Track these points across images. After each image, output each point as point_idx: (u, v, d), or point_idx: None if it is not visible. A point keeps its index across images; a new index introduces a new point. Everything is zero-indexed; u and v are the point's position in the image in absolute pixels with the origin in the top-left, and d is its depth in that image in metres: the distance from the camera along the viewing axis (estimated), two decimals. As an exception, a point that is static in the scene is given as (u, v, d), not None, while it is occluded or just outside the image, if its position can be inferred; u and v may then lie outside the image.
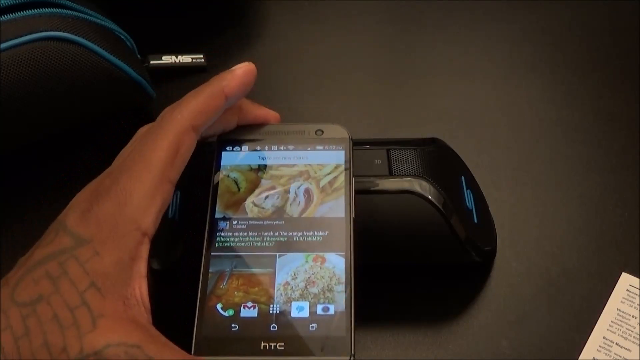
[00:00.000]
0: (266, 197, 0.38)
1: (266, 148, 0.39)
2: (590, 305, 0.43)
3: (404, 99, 0.53)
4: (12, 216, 0.46)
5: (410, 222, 0.41)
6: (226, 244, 0.36)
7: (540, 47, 0.55)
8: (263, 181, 0.38)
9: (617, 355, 0.41)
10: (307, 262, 0.35)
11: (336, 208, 0.37)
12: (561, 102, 0.52)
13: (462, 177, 0.45)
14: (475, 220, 0.43)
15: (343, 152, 0.39)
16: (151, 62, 0.52)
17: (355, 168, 0.39)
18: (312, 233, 0.36)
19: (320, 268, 0.35)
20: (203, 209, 0.39)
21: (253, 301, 0.34)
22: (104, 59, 0.45)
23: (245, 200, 0.37)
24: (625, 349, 0.41)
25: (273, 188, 0.38)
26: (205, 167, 0.40)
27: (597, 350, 0.41)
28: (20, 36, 0.42)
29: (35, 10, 0.43)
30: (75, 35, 0.43)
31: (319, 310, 0.34)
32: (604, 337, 0.42)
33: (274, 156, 0.39)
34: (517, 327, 0.42)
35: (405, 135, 0.46)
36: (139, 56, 0.49)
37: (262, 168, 0.38)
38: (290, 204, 0.37)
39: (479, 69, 0.54)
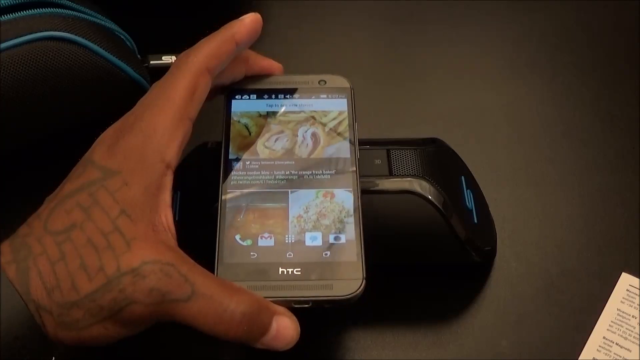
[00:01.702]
0: (276, 140, 0.40)
1: (273, 96, 0.41)
2: (590, 305, 0.43)
3: (404, 99, 0.53)
4: (12, 216, 0.46)
5: (410, 222, 0.41)
6: (241, 182, 0.38)
7: (540, 47, 0.55)
8: (272, 126, 0.40)
9: (617, 355, 0.41)
10: (317, 197, 0.38)
11: (342, 149, 0.39)
12: (561, 102, 0.52)
13: (462, 177, 0.45)
14: (475, 220, 0.43)
15: (345, 100, 0.41)
16: (151, 62, 0.52)
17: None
18: (320, 172, 0.39)
19: (330, 202, 0.38)
20: (203, 209, 0.39)
21: (269, 232, 0.37)
22: (104, 59, 0.45)
23: (256, 143, 0.40)
24: (625, 349, 0.41)
25: (282, 132, 0.40)
26: (205, 167, 0.40)
27: (597, 350, 0.41)
28: (20, 36, 0.42)
29: (35, 10, 0.43)
30: (75, 35, 0.43)
31: (331, 239, 0.36)
32: (604, 337, 0.42)
33: (281, 104, 0.41)
34: (517, 327, 0.42)
35: (405, 135, 0.46)
36: (139, 56, 0.49)
37: (271, 114, 0.41)
38: (299, 146, 0.40)
39: (479, 69, 0.54)
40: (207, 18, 0.56)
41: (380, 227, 0.41)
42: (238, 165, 0.39)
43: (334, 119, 0.41)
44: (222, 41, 0.38)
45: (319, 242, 0.36)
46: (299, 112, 0.41)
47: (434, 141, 0.45)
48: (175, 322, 0.33)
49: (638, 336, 0.42)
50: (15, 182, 0.47)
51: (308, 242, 0.36)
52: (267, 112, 0.41)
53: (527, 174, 0.49)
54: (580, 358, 0.41)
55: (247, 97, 0.41)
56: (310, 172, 0.39)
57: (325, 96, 0.41)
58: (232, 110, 0.41)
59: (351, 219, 0.37)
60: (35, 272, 0.32)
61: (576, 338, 0.42)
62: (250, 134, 0.40)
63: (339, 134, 0.40)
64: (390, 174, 0.42)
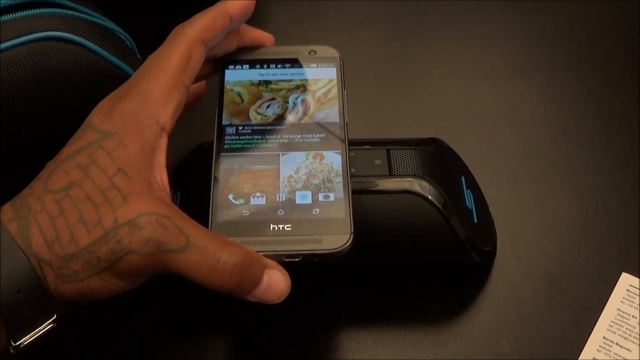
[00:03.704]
0: (267, 106, 0.41)
1: (265, 66, 0.43)
2: (590, 305, 0.43)
3: (404, 98, 0.53)
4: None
5: (410, 222, 0.41)
6: (234, 146, 0.40)
7: (540, 46, 0.55)
8: (264, 94, 0.42)
9: (617, 355, 0.41)
10: (307, 159, 0.39)
11: (331, 115, 0.41)
12: (561, 102, 0.52)
13: (462, 177, 0.45)
14: (475, 220, 0.43)
15: (335, 68, 0.43)
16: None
17: (356, 168, 0.42)
18: (310, 135, 0.40)
19: (320, 164, 0.39)
20: (203, 210, 0.40)
21: (261, 192, 0.38)
22: (104, 59, 0.45)
23: (248, 109, 0.41)
24: (625, 349, 0.41)
25: (273, 99, 0.41)
26: (205, 167, 0.40)
27: (597, 350, 0.41)
28: (20, 36, 0.42)
29: (35, 10, 0.43)
30: (75, 35, 0.43)
31: (321, 197, 0.38)
32: (604, 337, 0.42)
33: (273, 73, 0.42)
34: (517, 327, 0.43)
35: (405, 135, 0.46)
36: (139, 56, 0.49)
37: (263, 83, 0.42)
38: (290, 112, 0.41)
39: (479, 68, 0.54)
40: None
41: (380, 227, 0.41)
42: (231, 130, 0.40)
43: (324, 86, 0.42)
44: (216, 15, 0.39)
45: (308, 200, 0.37)
46: (290, 80, 0.42)
47: (434, 141, 0.45)
48: (170, 276, 0.34)
49: (638, 336, 0.42)
50: (15, 182, 0.47)
51: (298, 200, 0.37)
52: (259, 81, 0.42)
53: (527, 174, 0.49)
54: (580, 358, 0.41)
55: (240, 67, 0.42)
56: (301, 136, 0.40)
57: (315, 65, 0.43)
58: (225, 79, 0.42)
59: (339, 179, 0.38)
60: (35, 227, 0.33)
61: (576, 338, 0.42)
62: (242, 101, 0.41)
63: (328, 100, 0.41)
64: (390, 174, 0.42)
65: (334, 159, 0.39)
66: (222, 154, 0.39)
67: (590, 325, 0.42)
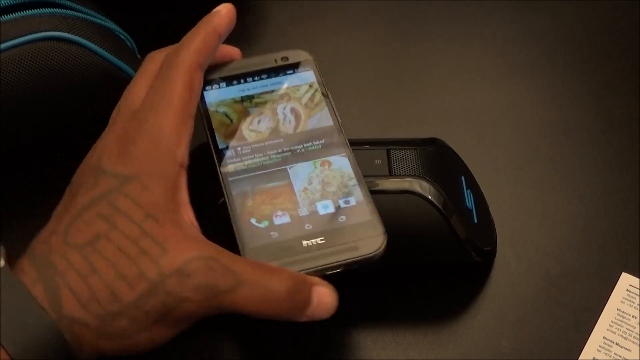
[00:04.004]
0: (259, 122, 0.40)
1: (242, 81, 0.42)
2: (590, 305, 0.43)
3: (404, 98, 0.53)
4: (12, 216, 0.46)
5: (410, 222, 0.41)
6: (239, 169, 0.39)
7: (540, 46, 0.55)
8: (250, 109, 0.41)
9: (617, 355, 0.41)
10: (316, 168, 0.39)
11: (323, 119, 0.40)
12: (561, 102, 0.52)
13: (462, 177, 0.45)
14: (475, 220, 0.43)
15: (311, 71, 0.42)
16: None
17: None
18: (310, 143, 0.39)
19: (330, 170, 0.39)
20: (204, 208, 0.39)
21: (282, 210, 0.37)
22: (104, 59, 0.45)
23: (240, 129, 0.40)
24: (625, 349, 0.41)
25: (262, 113, 0.41)
26: (205, 167, 0.40)
27: (597, 350, 0.41)
28: (20, 36, 0.42)
29: (35, 10, 0.43)
30: (75, 35, 0.43)
31: (342, 204, 0.37)
32: (604, 337, 0.42)
33: (252, 86, 0.42)
34: (517, 327, 0.42)
35: (405, 135, 0.46)
36: (139, 56, 0.49)
37: (246, 98, 0.41)
38: (283, 124, 0.40)
39: (479, 68, 0.54)
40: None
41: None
42: (230, 154, 0.39)
43: (307, 91, 0.41)
44: (206, 35, 0.38)
45: (331, 209, 0.37)
46: (272, 91, 0.41)
47: (434, 141, 0.45)
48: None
49: (638, 336, 0.42)
50: (15, 182, 0.47)
51: (322, 211, 0.37)
52: (242, 97, 0.41)
53: (527, 174, 0.49)
54: (580, 358, 0.41)
55: (218, 86, 0.41)
56: (302, 146, 0.39)
57: (291, 72, 0.42)
58: (207, 101, 0.41)
59: (354, 181, 0.38)
60: (66, 289, 0.32)
61: (576, 338, 0.42)
62: (231, 121, 0.40)
63: (316, 105, 0.41)
64: (390, 174, 0.42)
65: (342, 163, 0.39)
66: (229, 179, 0.38)
67: (590, 325, 0.42)
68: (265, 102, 0.41)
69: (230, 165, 0.39)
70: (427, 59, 0.55)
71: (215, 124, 0.40)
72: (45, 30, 0.43)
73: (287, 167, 0.39)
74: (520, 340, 0.42)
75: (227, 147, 0.39)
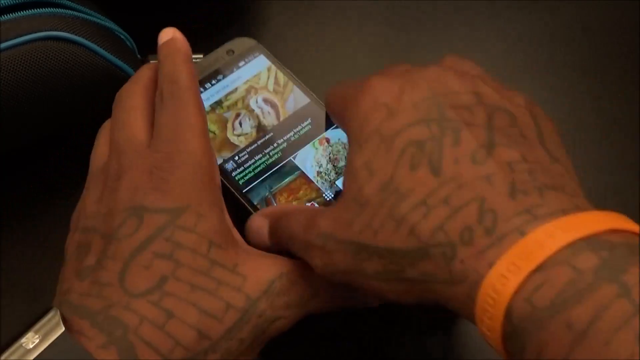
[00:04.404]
0: (240, 124, 0.40)
1: (202, 89, 0.41)
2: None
3: (404, 99, 0.53)
4: (12, 216, 0.46)
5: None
6: (247, 177, 0.38)
7: (540, 47, 0.55)
8: (225, 115, 0.40)
9: (617, 355, 0.41)
10: (317, 148, 0.39)
11: (298, 98, 0.40)
12: (561, 102, 0.52)
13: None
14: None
15: (262, 55, 0.42)
16: (151, 62, 0.51)
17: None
18: (300, 127, 0.39)
19: (332, 145, 0.39)
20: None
21: (308, 201, 0.37)
22: (104, 59, 0.45)
23: (226, 137, 0.40)
24: (625, 349, 0.41)
25: (239, 114, 0.40)
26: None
27: (597, 350, 0.41)
28: (20, 36, 0.42)
29: (35, 10, 0.43)
30: (75, 35, 0.43)
31: None
32: (604, 337, 0.42)
33: (215, 91, 0.41)
34: (517, 327, 0.42)
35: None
36: (139, 56, 0.49)
37: (215, 106, 0.41)
38: (264, 117, 0.40)
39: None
40: (207, 18, 0.56)
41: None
42: (231, 166, 0.39)
43: (268, 77, 0.41)
44: (184, 56, 0.38)
45: None
46: (235, 89, 0.41)
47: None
48: None
49: (638, 336, 0.42)
50: (15, 182, 0.47)
51: None
52: (211, 106, 0.41)
53: (527, 174, 0.49)
54: (580, 358, 0.41)
55: None
56: (293, 132, 0.39)
57: (243, 63, 0.42)
58: None
59: None
60: (142, 345, 0.29)
61: (576, 338, 0.42)
62: (215, 133, 0.40)
63: (284, 87, 0.41)
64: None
65: (338, 135, 0.39)
66: (243, 191, 0.38)
67: (590, 325, 0.42)
68: (235, 103, 0.40)
69: (237, 178, 0.38)
70: (427, 59, 0.55)
71: None
72: (45, 30, 0.43)
73: (291, 157, 0.38)
74: (520, 340, 0.42)
75: (224, 162, 0.39)
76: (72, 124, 0.48)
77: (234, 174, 0.38)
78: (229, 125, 0.40)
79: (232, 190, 0.38)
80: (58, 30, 0.43)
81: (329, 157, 0.38)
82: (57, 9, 0.44)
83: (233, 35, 0.55)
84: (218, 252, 0.32)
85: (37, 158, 0.48)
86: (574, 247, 0.25)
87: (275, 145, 0.39)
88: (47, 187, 0.47)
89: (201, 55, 0.53)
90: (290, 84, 0.41)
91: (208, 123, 0.39)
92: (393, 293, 0.30)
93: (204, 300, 0.31)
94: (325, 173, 0.38)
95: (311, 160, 0.38)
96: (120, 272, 0.31)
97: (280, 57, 0.44)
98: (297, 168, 0.38)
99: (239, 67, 0.41)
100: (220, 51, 0.42)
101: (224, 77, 0.41)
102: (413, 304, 0.30)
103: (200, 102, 0.36)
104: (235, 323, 0.31)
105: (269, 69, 0.41)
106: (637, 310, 0.23)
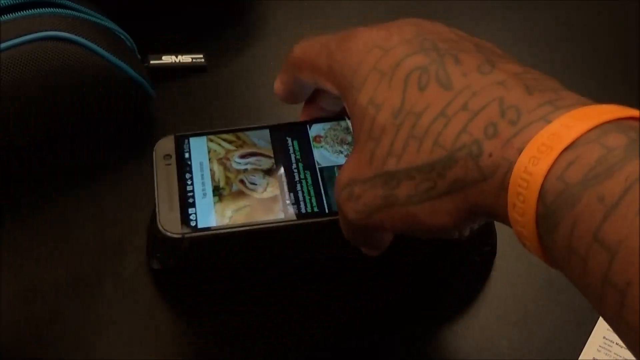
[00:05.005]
0: (252, 182, 0.39)
1: (190, 187, 0.40)
2: (590, 305, 0.43)
3: (404, 99, 0.53)
4: (12, 216, 0.46)
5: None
6: (309, 202, 0.38)
7: (540, 47, 0.55)
8: (233, 190, 0.39)
9: (617, 355, 0.41)
10: (320, 148, 0.40)
11: (259, 134, 0.41)
12: (561, 102, 0.52)
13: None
14: (475, 220, 0.43)
15: (192, 138, 0.41)
16: (151, 62, 0.52)
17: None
18: (290, 147, 0.40)
19: (325, 137, 0.40)
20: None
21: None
22: (104, 59, 0.45)
23: (258, 200, 0.39)
24: (626, 349, 0.41)
25: (242, 181, 0.39)
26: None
27: (597, 350, 0.41)
28: (21, 36, 0.42)
29: (35, 10, 0.43)
30: (75, 35, 0.43)
31: None
32: (604, 337, 0.42)
33: (199, 184, 0.40)
34: (517, 327, 0.42)
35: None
36: (139, 56, 0.49)
37: (219, 192, 0.39)
38: (259, 165, 0.40)
39: (479, 69, 0.54)
40: (207, 18, 0.56)
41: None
42: (294, 210, 0.38)
43: (219, 144, 0.41)
44: None
45: None
46: (212, 171, 0.40)
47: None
48: None
49: (638, 336, 0.42)
50: (16, 182, 0.47)
51: None
52: (216, 195, 0.39)
53: (527, 174, 0.49)
54: (580, 358, 0.41)
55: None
56: (292, 154, 0.40)
57: (187, 155, 0.41)
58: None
59: (346, 122, 0.40)
60: None
61: (576, 338, 0.42)
62: (249, 206, 0.39)
63: (239, 137, 0.41)
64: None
65: (320, 127, 0.40)
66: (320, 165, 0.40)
67: (590, 325, 0.42)
68: (226, 178, 0.40)
69: (305, 213, 0.38)
70: (427, 59, 0.55)
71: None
72: (46, 30, 0.43)
73: (317, 167, 0.40)
74: (520, 340, 0.42)
75: (285, 212, 0.38)
76: (72, 124, 0.48)
77: (301, 210, 0.38)
78: (247, 190, 0.39)
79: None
80: (58, 30, 0.43)
81: (336, 142, 0.39)
82: (57, 9, 0.44)
83: (233, 35, 0.55)
84: None
85: (37, 158, 0.48)
86: (602, 128, 0.26)
87: (295, 169, 0.40)
88: (47, 187, 0.47)
89: (201, 55, 0.53)
90: (239, 133, 0.41)
91: (234, 203, 0.38)
92: (431, 215, 0.30)
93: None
94: (347, 151, 0.39)
95: (328, 159, 0.39)
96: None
97: (280, 57, 0.44)
98: (326, 168, 0.39)
99: (190, 160, 0.40)
100: (159, 162, 0.40)
101: (190, 171, 0.40)
102: (454, 229, 0.31)
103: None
104: None
105: (210, 140, 0.41)
106: None
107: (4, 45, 0.42)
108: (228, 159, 0.40)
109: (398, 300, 0.43)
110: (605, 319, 0.25)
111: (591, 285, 0.25)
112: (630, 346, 0.24)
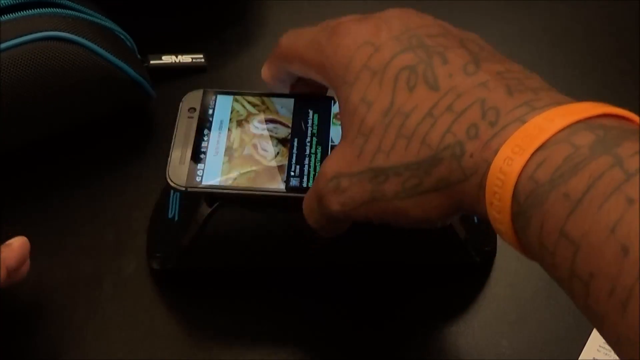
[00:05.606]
0: (264, 149, 0.39)
1: (204, 141, 0.40)
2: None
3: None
4: (12, 216, 0.46)
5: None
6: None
7: (540, 46, 0.55)
8: (245, 153, 0.39)
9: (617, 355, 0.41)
10: (338, 122, 0.39)
11: (283, 102, 0.41)
12: (561, 102, 0.52)
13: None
14: (475, 220, 0.43)
15: (219, 95, 0.41)
16: (151, 62, 0.52)
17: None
18: (309, 120, 0.40)
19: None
20: (204, 208, 0.40)
21: None
22: (104, 59, 0.45)
23: (266, 167, 0.39)
24: (625, 349, 0.41)
25: (255, 145, 0.39)
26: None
27: (597, 350, 0.41)
28: (21, 36, 0.42)
29: (35, 10, 0.43)
30: (75, 35, 0.43)
31: None
32: (604, 337, 0.42)
33: (214, 141, 0.40)
34: (517, 327, 0.42)
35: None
36: (139, 56, 0.49)
37: (231, 152, 0.39)
38: (276, 133, 0.40)
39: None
40: (207, 18, 0.56)
41: (380, 227, 0.41)
42: (295, 182, 0.38)
43: (243, 106, 0.41)
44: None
45: None
46: (229, 129, 0.40)
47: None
48: None
49: (638, 336, 0.42)
50: (16, 182, 0.47)
51: None
52: (226, 155, 0.39)
53: (527, 174, 0.49)
54: (580, 358, 0.41)
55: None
56: (309, 127, 0.40)
57: (211, 111, 0.41)
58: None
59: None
60: None
61: (576, 338, 0.42)
62: (255, 170, 0.39)
63: (263, 102, 0.41)
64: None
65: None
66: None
67: (590, 325, 0.42)
68: (241, 140, 0.40)
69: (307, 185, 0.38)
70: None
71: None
72: (46, 30, 0.43)
73: (330, 143, 0.39)
74: (520, 340, 0.42)
75: (286, 180, 0.38)
76: (72, 124, 0.48)
77: (303, 184, 0.38)
78: (257, 155, 0.39)
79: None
80: (58, 30, 0.43)
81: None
82: (57, 9, 0.44)
83: (233, 35, 0.55)
84: None
85: (37, 158, 0.48)
86: (572, 128, 0.27)
87: (308, 142, 0.40)
88: (47, 187, 0.47)
89: (201, 55, 0.53)
90: (265, 98, 0.41)
91: (241, 166, 0.38)
92: (417, 210, 0.31)
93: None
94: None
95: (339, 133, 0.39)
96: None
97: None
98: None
99: (212, 117, 0.40)
100: (183, 114, 0.41)
101: (210, 127, 0.40)
102: (438, 221, 0.31)
103: None
104: None
105: (235, 101, 0.41)
106: (628, 177, 0.24)
107: (4, 45, 0.42)
108: (248, 122, 0.40)
109: (398, 300, 0.43)
110: (579, 309, 0.26)
111: (562, 278, 0.26)
112: (601, 334, 0.26)
